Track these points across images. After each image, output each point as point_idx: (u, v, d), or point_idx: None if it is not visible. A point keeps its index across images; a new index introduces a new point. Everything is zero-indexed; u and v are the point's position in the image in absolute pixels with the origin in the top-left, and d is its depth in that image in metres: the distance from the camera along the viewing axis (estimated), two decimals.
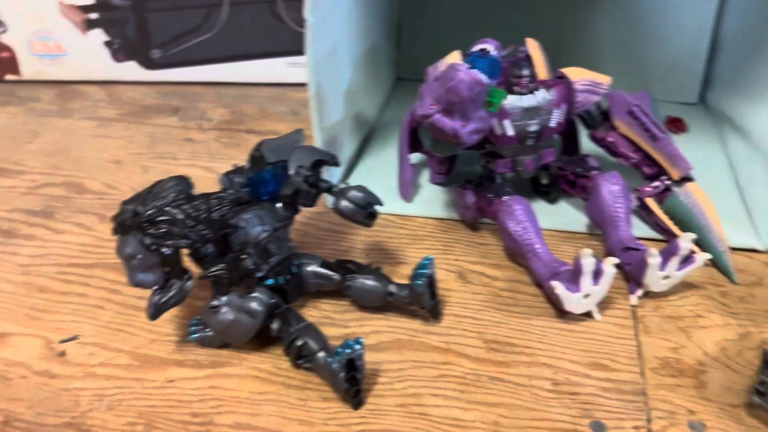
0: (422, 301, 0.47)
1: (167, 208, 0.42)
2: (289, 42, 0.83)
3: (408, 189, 0.61)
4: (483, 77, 0.46)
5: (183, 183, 0.44)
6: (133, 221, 0.42)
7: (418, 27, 0.82)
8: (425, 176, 0.65)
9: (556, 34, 0.78)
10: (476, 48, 0.48)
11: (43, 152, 0.72)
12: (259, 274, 0.46)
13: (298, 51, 0.83)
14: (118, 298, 0.52)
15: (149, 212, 0.42)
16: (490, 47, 0.47)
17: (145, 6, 0.81)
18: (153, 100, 0.82)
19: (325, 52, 0.57)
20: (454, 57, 0.56)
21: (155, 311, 0.43)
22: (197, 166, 0.69)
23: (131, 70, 0.85)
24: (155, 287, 0.43)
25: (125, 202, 0.44)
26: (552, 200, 0.61)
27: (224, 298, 0.44)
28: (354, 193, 0.47)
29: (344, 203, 0.47)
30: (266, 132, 0.75)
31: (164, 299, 0.43)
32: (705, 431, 0.41)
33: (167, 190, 0.43)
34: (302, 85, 0.84)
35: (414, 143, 0.61)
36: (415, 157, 0.63)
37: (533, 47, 0.58)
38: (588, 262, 0.46)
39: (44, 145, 0.73)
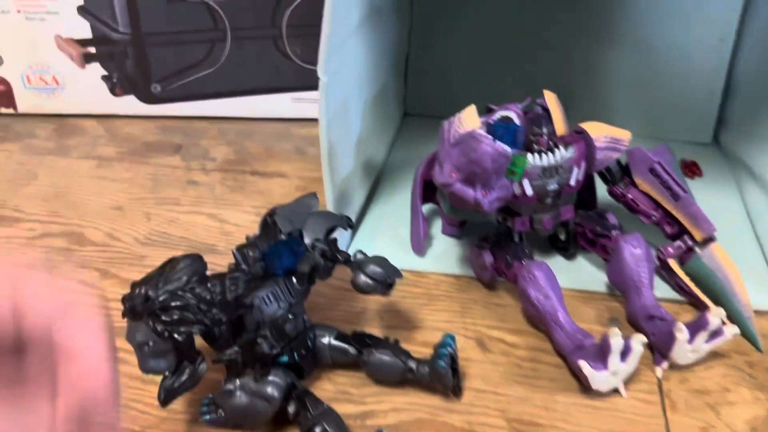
0: (444, 380, 0.45)
1: (180, 293, 0.40)
2: (293, 77, 0.81)
3: (421, 243, 0.59)
4: (507, 149, 0.44)
5: (196, 263, 0.42)
6: (144, 306, 0.40)
7: (425, 61, 0.80)
8: (437, 227, 0.63)
9: (567, 73, 0.77)
10: (498, 115, 0.46)
11: (40, 196, 0.70)
12: (275, 352, 0.44)
13: (303, 86, 0.82)
14: (124, 369, 0.49)
15: (161, 297, 0.40)
16: (513, 115, 0.46)
17: (145, 40, 0.79)
18: (154, 136, 0.80)
19: (337, 106, 0.55)
20: (470, 113, 0.54)
21: (167, 397, 0.41)
22: (201, 213, 0.67)
23: (130, 104, 0.82)
24: (167, 372, 0.41)
25: (135, 285, 0.42)
26: (570, 257, 0.59)
27: (238, 382, 0.42)
28: (373, 268, 0.45)
29: (363, 279, 0.45)
30: (271, 173, 0.73)
31: (176, 384, 0.41)
32: None
33: (180, 271, 0.41)
34: (307, 120, 0.83)
35: (427, 194, 0.60)
36: (426, 208, 0.61)
37: (551, 100, 0.56)
38: (616, 342, 0.44)
39: (42, 189, 0.71)
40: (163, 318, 0.40)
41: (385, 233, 0.63)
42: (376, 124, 0.69)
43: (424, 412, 0.46)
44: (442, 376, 0.45)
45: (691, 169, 0.72)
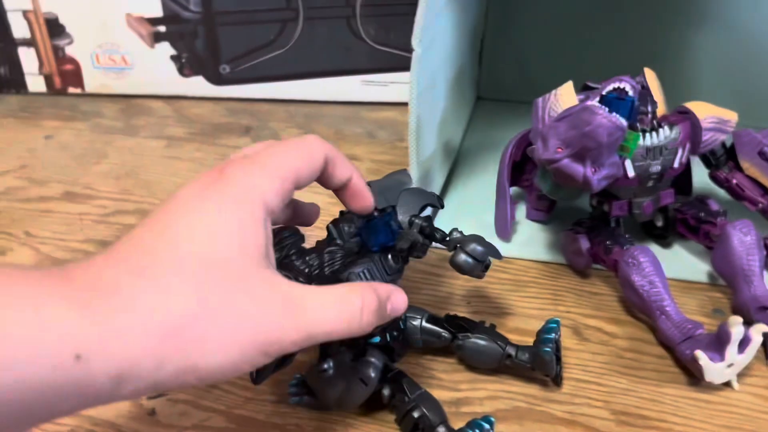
0: (548, 368, 0.42)
1: (280, 265, 0.38)
2: (365, 59, 0.79)
3: (508, 227, 0.56)
4: (624, 122, 0.41)
5: (295, 236, 0.40)
6: None
7: (500, 44, 0.78)
8: (521, 212, 0.60)
9: (653, 57, 0.72)
10: (610, 86, 0.43)
11: (111, 174, 0.69)
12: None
13: (374, 69, 0.79)
14: None
15: None
16: (628, 86, 0.43)
17: (216, 19, 0.77)
18: (222, 117, 0.79)
19: (427, 82, 0.53)
20: (568, 89, 0.52)
21: (259, 374, 0.39)
22: None
23: (198, 85, 0.81)
24: None
25: None
26: (666, 244, 0.56)
27: (333, 362, 0.40)
28: (473, 247, 0.43)
29: (463, 257, 0.43)
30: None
31: (269, 363, 0.39)
32: None
33: (279, 243, 0.39)
34: (377, 104, 0.81)
35: (515, 177, 0.57)
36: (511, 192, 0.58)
37: (651, 78, 0.53)
38: (737, 331, 0.41)
39: (112, 167, 0.70)
40: None
41: (467, 217, 0.60)
42: (455, 106, 0.67)
43: (522, 401, 0.44)
44: (547, 363, 0.42)
45: None
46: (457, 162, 0.69)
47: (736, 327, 0.41)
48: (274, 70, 0.80)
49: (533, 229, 0.59)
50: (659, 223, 0.55)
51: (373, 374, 0.40)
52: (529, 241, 0.57)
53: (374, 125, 0.78)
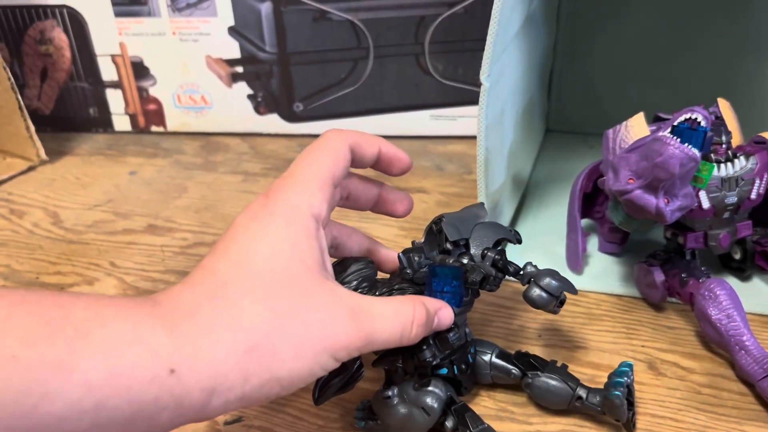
0: (618, 413, 0.41)
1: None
2: (433, 94, 0.80)
3: (579, 260, 0.56)
4: (696, 153, 0.41)
5: (368, 268, 0.41)
6: None
7: (569, 76, 0.78)
8: (593, 244, 0.60)
9: (726, 89, 0.71)
10: (682, 117, 0.43)
11: (191, 208, 0.72)
12: (435, 362, 0.42)
13: (443, 103, 0.81)
14: None
15: None
16: (700, 117, 0.42)
17: (290, 59, 0.80)
18: (295, 153, 0.81)
19: (496, 115, 0.53)
20: (639, 120, 0.51)
21: (319, 396, 0.40)
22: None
23: (273, 122, 0.84)
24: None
25: None
26: (745, 278, 0.54)
27: (397, 390, 0.41)
28: (548, 281, 0.43)
29: (537, 292, 0.43)
30: (411, 189, 0.72)
31: (331, 385, 0.40)
32: None
33: (351, 275, 0.41)
34: (444, 137, 0.82)
35: (586, 208, 0.57)
36: (583, 223, 0.58)
37: (725, 108, 0.52)
38: None
39: (192, 201, 0.73)
40: None
41: (537, 249, 0.60)
42: (524, 138, 0.67)
43: None
44: (617, 407, 0.41)
45: None
46: (526, 194, 0.69)
47: None
48: (345, 106, 0.82)
49: (605, 261, 0.58)
50: (737, 256, 0.54)
51: (434, 404, 0.40)
52: (601, 274, 0.57)
53: (443, 158, 0.79)
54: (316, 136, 0.84)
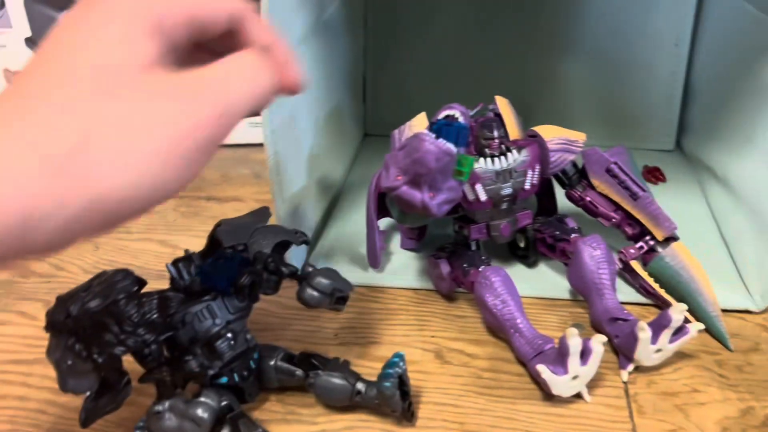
0: (392, 403, 0.42)
1: (102, 312, 0.38)
2: None
3: (377, 257, 0.57)
4: (451, 147, 0.43)
5: (126, 279, 0.40)
6: (64, 324, 0.38)
7: (383, 81, 0.80)
8: (396, 242, 0.61)
9: (527, 86, 0.76)
10: (442, 114, 0.45)
11: None
12: (212, 372, 0.42)
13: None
14: (61, 400, 0.47)
15: (83, 315, 0.38)
16: (457, 113, 0.44)
17: None
18: None
19: (283, 119, 0.53)
20: (421, 120, 0.53)
21: (86, 418, 0.39)
22: (152, 240, 0.64)
23: None
24: (88, 393, 0.38)
25: (60, 299, 0.39)
26: (531, 264, 0.57)
27: (167, 403, 0.39)
28: (319, 280, 0.43)
29: (309, 292, 0.43)
30: (228, 198, 0.71)
31: (98, 406, 0.39)
32: None
33: (108, 288, 0.39)
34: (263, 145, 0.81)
35: (382, 208, 0.58)
36: (384, 223, 0.59)
37: (503, 105, 0.55)
38: (574, 343, 0.42)
39: None
40: (83, 336, 0.37)
41: (342, 250, 0.61)
42: (332, 142, 0.68)
43: (379, 429, 0.44)
44: (389, 398, 0.42)
45: (655, 175, 0.71)
46: (340, 197, 0.70)
47: (573, 339, 0.42)
48: None
49: (406, 257, 0.60)
50: (521, 244, 0.57)
51: (205, 415, 0.39)
52: (400, 270, 0.58)
53: (262, 166, 0.78)
54: None
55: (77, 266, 0.61)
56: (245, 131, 0.80)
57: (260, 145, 0.80)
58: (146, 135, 0.27)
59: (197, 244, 0.45)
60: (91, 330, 0.38)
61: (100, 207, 0.26)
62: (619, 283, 0.54)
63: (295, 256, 0.57)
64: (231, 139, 0.86)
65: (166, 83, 0.28)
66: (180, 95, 0.28)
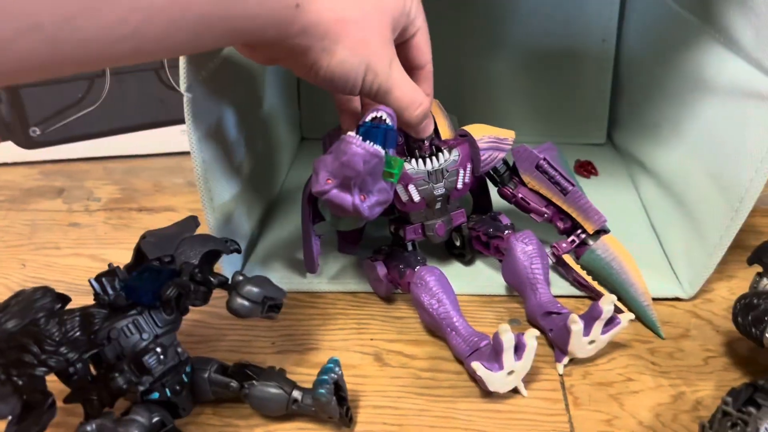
0: (329, 410, 0.42)
1: (20, 332, 0.36)
2: (180, 109, 0.78)
3: (314, 262, 0.56)
4: (378, 149, 0.42)
5: (46, 297, 0.38)
6: None
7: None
8: (333, 246, 0.61)
9: (460, 85, 0.76)
10: (369, 116, 0.44)
11: None
12: (142, 388, 0.40)
13: None
14: None
15: (2, 334, 0.36)
16: (384, 114, 0.44)
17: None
18: (35, 182, 0.75)
19: (210, 126, 0.52)
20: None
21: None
22: (82, 255, 0.62)
23: (9, 151, 0.78)
24: (10, 417, 0.37)
25: None
26: (467, 262, 0.58)
27: (94, 424, 0.38)
28: (249, 289, 0.42)
29: (238, 301, 0.42)
30: (159, 208, 0.70)
31: (21, 429, 0.37)
32: None
33: (26, 307, 0.38)
34: None
35: (318, 213, 0.57)
36: (322, 228, 0.59)
37: (433, 106, 0.55)
38: (507, 338, 0.42)
39: None
40: (1, 361, 0.36)
41: (279, 257, 0.60)
42: (265, 149, 0.67)
43: None
44: (325, 405, 0.41)
45: (587, 169, 0.72)
46: (278, 202, 0.69)
47: (506, 335, 0.42)
48: (87, 128, 0.77)
49: (345, 261, 0.59)
50: (457, 243, 0.57)
51: None
52: (339, 274, 0.58)
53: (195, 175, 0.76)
54: (60, 161, 0.79)
55: (1, 285, 0.59)
56: (177, 139, 0.79)
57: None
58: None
59: (128, 257, 0.44)
60: (9, 352, 0.36)
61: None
62: (554, 277, 0.55)
63: (231, 265, 0.56)
64: (162, 147, 0.85)
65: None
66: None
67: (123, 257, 0.44)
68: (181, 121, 0.78)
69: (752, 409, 0.38)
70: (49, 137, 0.77)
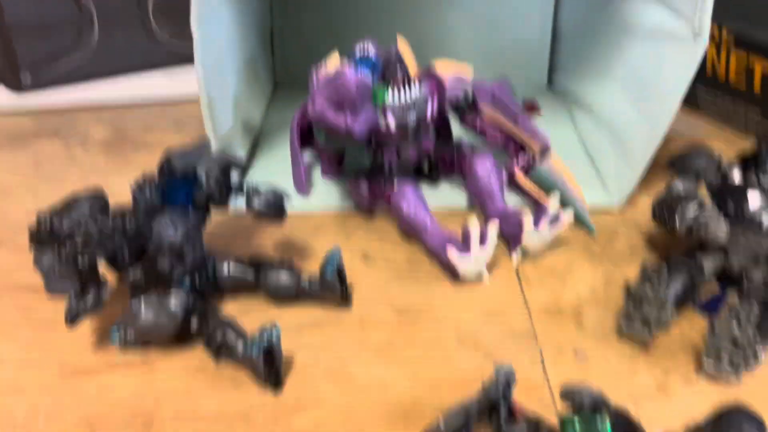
0: (333, 289, 0.51)
1: (82, 221, 0.44)
2: (165, 58, 0.85)
3: (304, 183, 0.65)
4: (368, 76, 0.51)
5: (98, 197, 0.46)
6: (49, 233, 0.44)
7: (289, 33, 0.87)
8: (316, 174, 0.69)
9: (419, 33, 0.85)
10: (357, 48, 0.53)
11: None
12: (175, 272, 0.49)
13: (175, 65, 0.85)
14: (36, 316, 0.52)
15: (65, 224, 0.44)
16: (370, 44, 0.53)
17: (12, 30, 0.80)
18: (31, 125, 0.81)
19: (213, 62, 0.60)
20: (334, 57, 0.61)
21: (72, 317, 0.45)
22: (88, 184, 0.69)
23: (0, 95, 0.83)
24: (73, 294, 0.45)
25: (41, 215, 0.45)
26: (434, 182, 0.67)
27: (143, 298, 0.47)
28: (266, 193, 0.51)
29: (256, 201, 0.51)
30: (152, 143, 0.77)
31: (81, 304, 0.45)
32: (587, 357, 0.49)
33: (83, 202, 0.45)
34: (184, 102, 0.87)
35: (304, 142, 0.66)
36: (307, 156, 0.67)
37: (403, 45, 0.64)
38: (474, 226, 0.52)
39: None
40: (67, 244, 0.44)
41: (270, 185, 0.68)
42: (249, 90, 0.75)
43: (322, 315, 0.53)
44: (330, 284, 0.51)
45: (531, 109, 0.82)
46: (259, 142, 0.77)
47: (473, 223, 0.52)
48: (78, 74, 0.83)
49: (329, 185, 0.68)
50: (426, 166, 0.66)
51: (176, 306, 0.46)
52: (325, 195, 0.67)
53: (182, 116, 0.84)
54: (51, 108, 0.85)
55: (18, 211, 0.65)
56: (165, 86, 0.86)
57: (179, 101, 0.86)
58: None
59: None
60: (72, 237, 0.44)
61: None
62: (508, 193, 0.65)
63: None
64: (150, 94, 0.91)
65: None
66: None
67: (125, 188, 0.51)
68: (166, 68, 0.85)
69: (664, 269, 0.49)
70: (41, 82, 0.83)
